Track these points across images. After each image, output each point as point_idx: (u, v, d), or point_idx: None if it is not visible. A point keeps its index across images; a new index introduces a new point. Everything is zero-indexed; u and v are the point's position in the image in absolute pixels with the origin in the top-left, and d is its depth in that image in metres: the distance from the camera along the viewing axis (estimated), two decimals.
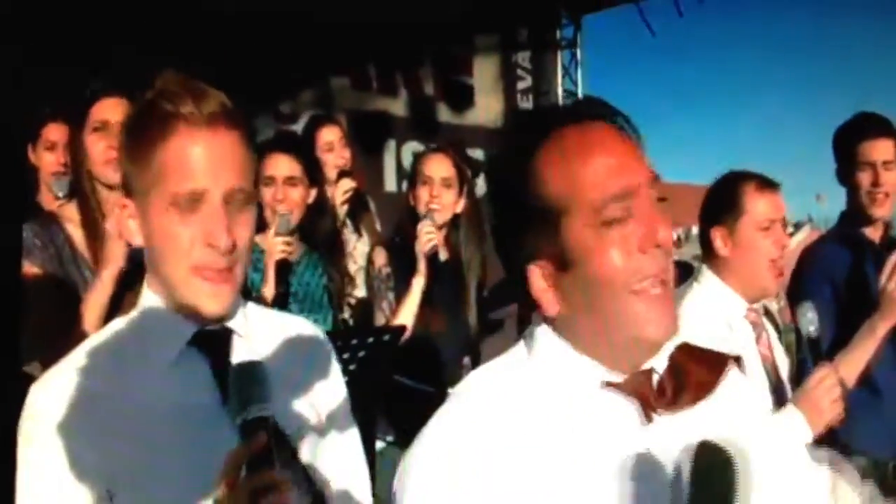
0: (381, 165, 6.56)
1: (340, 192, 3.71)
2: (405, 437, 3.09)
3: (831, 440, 2.25)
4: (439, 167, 3.25)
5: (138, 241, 1.42)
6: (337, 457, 1.53)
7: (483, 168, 6.54)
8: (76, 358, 1.40)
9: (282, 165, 3.01)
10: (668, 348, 1.20)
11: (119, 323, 1.47)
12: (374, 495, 1.63)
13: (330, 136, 3.86)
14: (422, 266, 3.10)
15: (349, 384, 1.64)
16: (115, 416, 1.33)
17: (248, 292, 2.59)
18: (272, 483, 1.20)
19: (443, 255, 3.22)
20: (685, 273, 2.70)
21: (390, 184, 6.57)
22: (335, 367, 1.61)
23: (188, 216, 1.34)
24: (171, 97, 1.35)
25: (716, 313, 2.46)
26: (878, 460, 2.87)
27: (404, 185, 4.57)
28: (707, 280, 2.57)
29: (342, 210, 3.75)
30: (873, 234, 3.10)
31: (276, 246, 2.86)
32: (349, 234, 3.80)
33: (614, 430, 1.15)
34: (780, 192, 2.57)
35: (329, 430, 1.53)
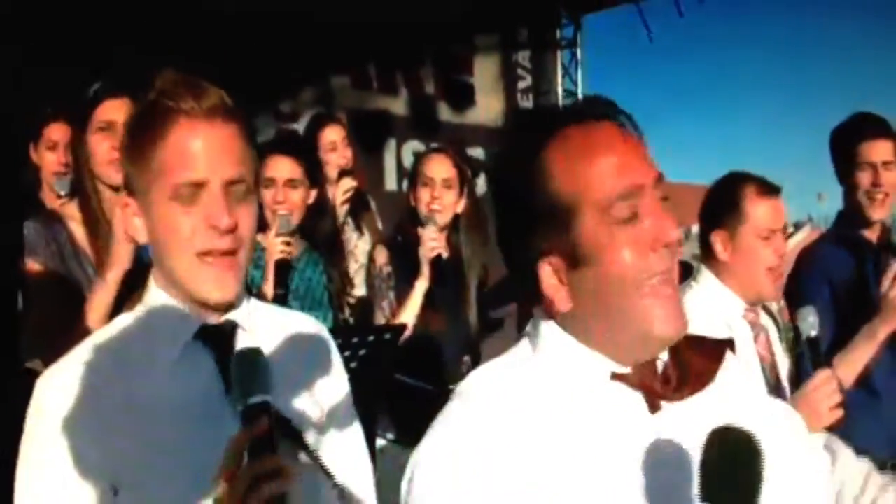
0: (382, 164, 6.57)
1: (341, 191, 3.72)
2: (406, 436, 3.11)
3: None
4: (440, 168, 3.26)
5: (143, 238, 1.44)
6: (340, 451, 1.54)
7: (485, 167, 6.55)
8: (82, 352, 1.41)
9: (282, 167, 3.02)
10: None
11: (124, 318, 1.48)
12: None
13: (333, 136, 3.87)
14: (425, 270, 3.11)
15: (350, 382, 1.65)
16: (121, 411, 1.34)
17: (249, 289, 2.60)
18: (274, 469, 1.21)
19: (443, 255, 3.23)
20: (685, 273, 2.71)
21: (391, 183, 6.58)
22: (338, 363, 1.62)
23: (189, 207, 1.36)
24: (172, 94, 1.38)
25: (714, 313, 2.47)
26: (875, 460, 2.87)
27: (405, 184, 4.58)
28: (705, 280, 2.58)
29: (343, 209, 3.75)
30: (871, 234, 3.11)
31: (276, 245, 2.87)
32: (350, 233, 3.81)
33: (623, 421, 1.16)
34: (780, 198, 2.57)
35: (332, 425, 1.55)
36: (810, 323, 2.31)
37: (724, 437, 1.02)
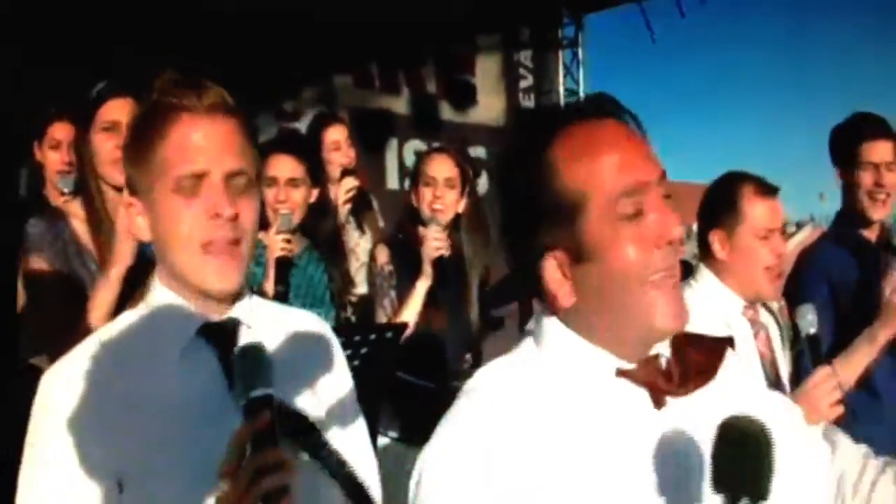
0: (384, 163, 6.59)
1: (344, 190, 3.73)
2: (407, 433, 3.12)
3: None
4: (442, 167, 3.27)
5: (147, 236, 1.45)
6: (345, 448, 1.54)
7: (488, 166, 6.57)
8: (87, 349, 1.42)
9: (284, 166, 3.03)
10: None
11: (128, 316, 1.49)
12: None
13: (336, 136, 3.88)
14: (427, 269, 3.12)
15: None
16: (125, 408, 1.35)
17: (251, 287, 2.61)
18: (275, 461, 1.21)
19: (445, 254, 3.24)
20: (685, 272, 2.71)
21: (392, 181, 6.60)
22: (341, 360, 1.63)
23: (191, 199, 1.38)
24: (173, 92, 1.40)
25: (714, 311, 2.48)
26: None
27: (406, 183, 4.59)
28: (704, 279, 2.59)
29: (345, 208, 3.76)
30: (870, 234, 3.11)
31: (277, 243, 2.88)
32: (352, 231, 3.82)
33: (630, 417, 1.17)
34: (778, 198, 2.58)
35: (336, 421, 1.55)
36: (809, 321, 2.32)
37: (736, 427, 1.03)
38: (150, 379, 1.38)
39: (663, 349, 1.21)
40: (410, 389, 3.11)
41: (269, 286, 2.84)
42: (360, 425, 1.63)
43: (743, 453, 1.01)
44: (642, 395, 1.18)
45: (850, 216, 3.15)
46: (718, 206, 2.58)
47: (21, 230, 2.42)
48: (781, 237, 2.58)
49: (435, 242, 3.12)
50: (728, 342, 1.30)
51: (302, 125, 5.56)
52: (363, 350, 2.51)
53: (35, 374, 1.44)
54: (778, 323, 2.75)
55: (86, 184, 2.48)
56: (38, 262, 2.37)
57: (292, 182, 3.03)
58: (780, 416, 1.27)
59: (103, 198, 2.45)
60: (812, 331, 2.32)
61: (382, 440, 3.12)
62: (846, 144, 3.14)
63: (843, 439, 1.41)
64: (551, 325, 1.23)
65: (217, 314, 1.44)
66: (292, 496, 1.22)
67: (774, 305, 2.88)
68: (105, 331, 1.48)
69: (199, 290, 1.42)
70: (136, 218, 1.45)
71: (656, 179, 1.18)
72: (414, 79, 6.80)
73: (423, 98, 6.85)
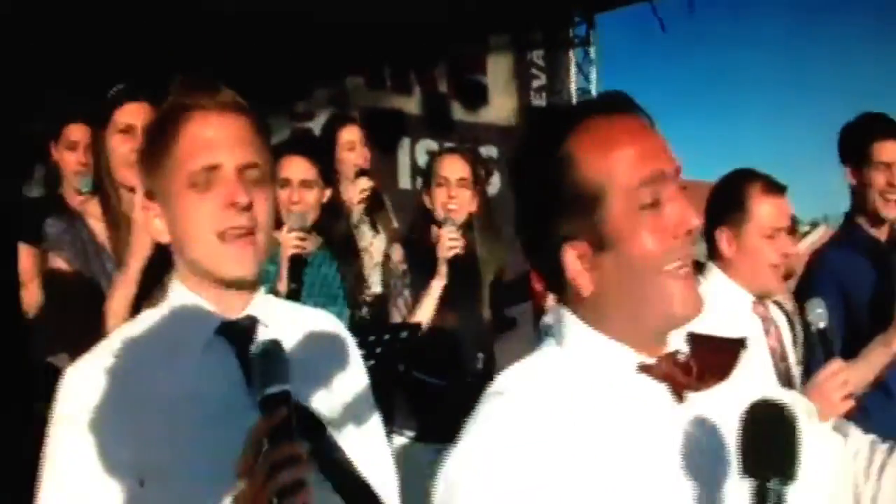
0: (396, 163, 6.59)
1: (359, 190, 3.75)
2: (420, 431, 3.14)
3: None
4: (455, 167, 3.29)
5: (165, 237, 1.48)
6: (361, 446, 1.55)
7: (500, 165, 6.58)
8: (109, 346, 1.44)
9: (297, 168, 3.05)
10: (683, 333, 1.25)
11: (149, 314, 1.52)
12: None
13: (351, 136, 3.89)
14: (442, 269, 3.14)
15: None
16: (146, 405, 1.37)
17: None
18: (291, 455, 1.23)
19: (460, 253, 3.25)
20: (696, 271, 2.72)
21: (404, 181, 6.60)
22: (356, 358, 1.65)
23: (206, 193, 1.41)
24: (186, 94, 1.44)
25: (724, 308, 2.48)
26: None
27: (418, 183, 4.60)
28: (714, 276, 2.60)
29: (359, 208, 3.78)
30: (879, 233, 3.11)
31: (290, 241, 2.90)
32: (366, 231, 3.84)
33: (655, 411, 1.19)
34: (785, 196, 2.59)
35: (352, 419, 1.56)
36: (818, 314, 2.33)
37: (764, 408, 1.06)
38: (170, 377, 1.40)
39: (681, 346, 1.24)
40: (423, 388, 3.13)
41: (282, 285, 2.87)
42: (377, 424, 1.64)
43: (772, 434, 1.04)
44: (663, 391, 1.21)
45: (861, 216, 3.15)
46: (725, 204, 2.59)
47: (20, 231, 2.46)
48: (788, 236, 2.59)
49: (450, 242, 3.14)
50: (742, 342, 1.32)
51: (315, 125, 5.59)
52: (377, 350, 2.53)
53: (53, 373, 1.46)
54: (789, 320, 2.76)
55: (102, 183, 2.52)
56: (58, 262, 2.40)
57: (305, 183, 3.05)
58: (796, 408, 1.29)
59: (119, 197, 2.48)
60: (822, 325, 2.33)
61: (396, 439, 3.14)
62: (857, 143, 3.13)
63: (853, 430, 1.43)
64: (572, 324, 1.24)
65: (235, 313, 1.46)
66: (309, 491, 1.23)
67: (789, 305, 2.89)
68: (126, 329, 1.50)
69: (216, 279, 1.44)
70: (153, 220, 1.47)
71: (673, 171, 1.20)
72: (425, 79, 6.81)
73: (434, 98, 6.85)
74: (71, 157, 3.38)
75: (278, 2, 5.01)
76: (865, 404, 2.36)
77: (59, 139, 3.42)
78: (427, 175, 3.42)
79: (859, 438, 1.41)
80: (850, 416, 2.26)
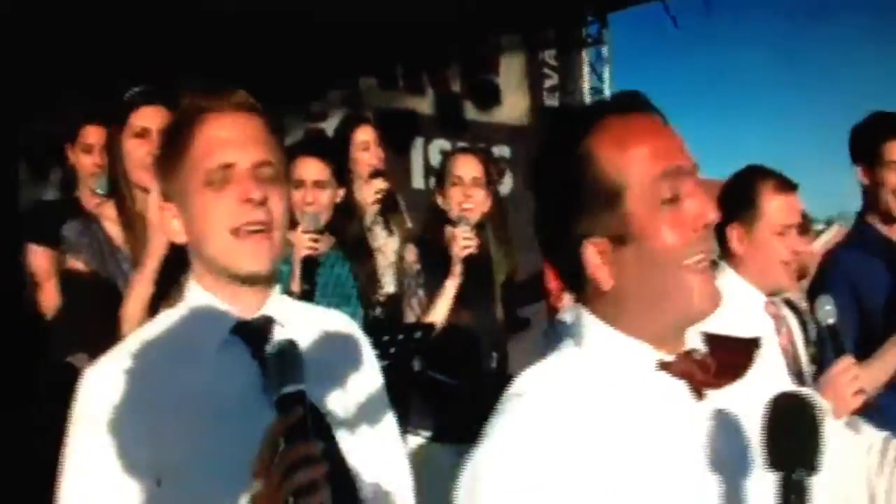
0: (409, 163, 6.60)
1: (373, 191, 3.75)
2: (434, 431, 3.15)
3: None
4: (469, 167, 3.30)
5: (181, 238, 1.50)
6: (377, 446, 1.57)
7: (513, 165, 6.58)
8: (128, 347, 1.46)
9: (311, 168, 3.07)
10: (699, 331, 1.26)
11: (167, 315, 1.54)
12: None
13: (365, 136, 3.90)
14: (456, 269, 3.15)
15: None
16: (165, 405, 1.38)
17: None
18: (308, 456, 1.24)
19: (474, 253, 3.26)
20: None
21: (418, 181, 6.62)
22: (371, 358, 1.66)
23: (221, 191, 1.43)
24: (202, 96, 1.48)
25: (737, 308, 2.48)
26: None
27: (432, 183, 4.61)
28: (726, 276, 2.60)
29: (374, 209, 3.79)
30: (891, 232, 3.10)
31: (304, 242, 2.92)
32: (380, 231, 3.85)
33: (675, 408, 1.20)
34: (796, 193, 2.58)
35: (367, 419, 1.57)
36: (827, 311, 2.32)
37: (787, 400, 1.07)
38: (187, 377, 1.42)
39: (698, 344, 1.25)
40: (437, 387, 3.14)
41: (296, 285, 2.88)
42: (391, 423, 1.65)
43: (795, 426, 1.05)
44: (682, 388, 1.22)
45: (873, 215, 3.14)
46: (737, 201, 2.58)
47: (21, 233, 2.48)
48: (801, 234, 2.58)
49: (465, 241, 3.15)
50: (756, 342, 1.33)
51: (328, 126, 5.60)
52: (391, 350, 2.54)
53: (71, 373, 1.48)
54: (802, 320, 2.75)
55: (117, 185, 2.54)
56: (76, 264, 2.43)
57: (319, 184, 3.06)
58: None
59: (133, 198, 2.50)
60: (831, 321, 2.32)
61: (412, 438, 3.15)
62: (869, 142, 3.12)
63: (865, 427, 1.44)
64: (590, 324, 1.25)
65: (250, 313, 1.48)
66: (325, 491, 1.24)
67: (803, 304, 2.88)
68: (145, 330, 1.52)
69: (232, 275, 1.45)
70: (170, 221, 1.49)
71: (691, 167, 1.22)
72: (438, 79, 6.81)
73: (447, 98, 6.86)
74: (87, 160, 3.41)
75: (293, 3, 5.03)
76: (880, 404, 2.35)
77: (75, 141, 3.45)
78: (440, 175, 3.43)
79: (872, 434, 1.42)
80: (864, 415, 2.26)
